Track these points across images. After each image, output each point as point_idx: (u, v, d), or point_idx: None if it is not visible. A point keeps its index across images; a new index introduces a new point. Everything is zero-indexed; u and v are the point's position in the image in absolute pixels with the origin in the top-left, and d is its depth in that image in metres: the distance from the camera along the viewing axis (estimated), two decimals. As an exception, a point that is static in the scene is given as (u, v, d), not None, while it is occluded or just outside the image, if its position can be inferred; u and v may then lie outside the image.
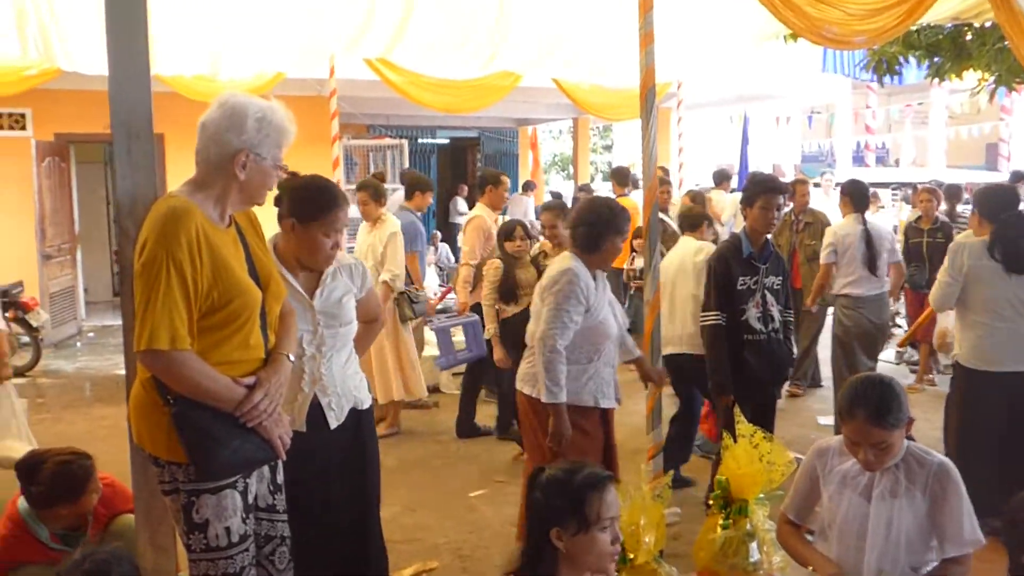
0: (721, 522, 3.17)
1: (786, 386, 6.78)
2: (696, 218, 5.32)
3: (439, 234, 13.76)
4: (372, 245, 5.94)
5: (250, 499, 2.40)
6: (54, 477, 3.10)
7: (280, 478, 2.56)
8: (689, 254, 4.96)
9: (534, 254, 5.54)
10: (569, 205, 6.47)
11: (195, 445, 2.22)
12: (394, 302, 5.88)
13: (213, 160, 2.33)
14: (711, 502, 3.27)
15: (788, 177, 17.19)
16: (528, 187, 14.52)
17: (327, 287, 2.97)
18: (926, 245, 7.32)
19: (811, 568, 2.72)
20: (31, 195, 8.94)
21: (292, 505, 2.64)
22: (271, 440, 2.32)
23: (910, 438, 2.70)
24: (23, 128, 9.91)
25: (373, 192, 6.07)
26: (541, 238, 6.00)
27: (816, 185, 9.90)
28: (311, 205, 2.83)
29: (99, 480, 3.23)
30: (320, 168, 9.10)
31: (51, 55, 7.11)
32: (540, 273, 4.51)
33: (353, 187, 11.53)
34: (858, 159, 19.82)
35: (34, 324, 7.90)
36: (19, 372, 7.83)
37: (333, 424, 2.94)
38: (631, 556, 3.13)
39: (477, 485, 5.10)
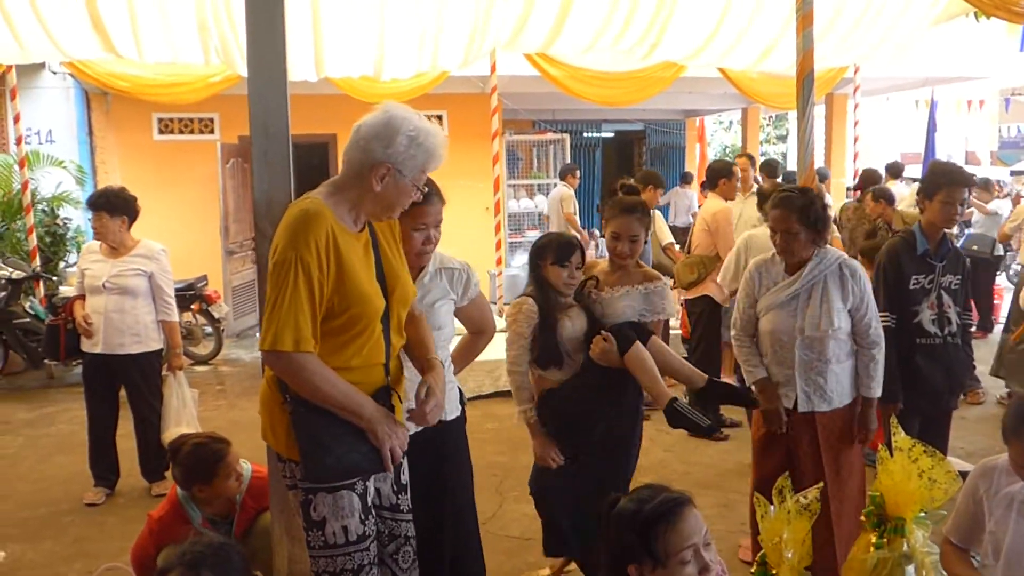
0: (874, 541, 2.92)
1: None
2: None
3: (597, 232, 13.64)
4: None
5: (369, 500, 2.42)
6: (188, 457, 3.29)
7: (405, 478, 2.58)
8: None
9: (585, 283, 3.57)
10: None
11: (304, 447, 2.27)
12: None
13: (355, 165, 2.33)
14: (864, 518, 3.02)
15: (984, 165, 15.94)
16: (687, 179, 14.09)
17: (422, 288, 2.88)
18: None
19: None
20: (216, 195, 9.59)
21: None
22: (381, 450, 2.31)
23: None
24: (211, 132, 10.66)
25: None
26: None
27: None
28: None
29: (236, 467, 3.33)
30: (481, 164, 9.38)
31: (232, 62, 7.57)
32: (593, 319, 3.39)
33: (516, 182, 11.84)
34: (1066, 144, 18.08)
35: (216, 316, 8.47)
36: (202, 360, 8.44)
37: (412, 430, 2.76)
38: (773, 572, 2.95)
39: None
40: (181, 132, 10.71)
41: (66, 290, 7.82)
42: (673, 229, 8.83)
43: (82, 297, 4.88)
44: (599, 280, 3.50)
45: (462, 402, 3.09)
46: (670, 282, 3.31)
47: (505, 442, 5.74)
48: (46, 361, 7.43)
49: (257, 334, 10.03)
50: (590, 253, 11.71)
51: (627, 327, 3.32)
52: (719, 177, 6.44)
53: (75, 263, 6.23)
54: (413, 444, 2.63)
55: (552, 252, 3.32)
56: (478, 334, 3.22)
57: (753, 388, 3.59)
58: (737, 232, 6.26)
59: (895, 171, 9.85)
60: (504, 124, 10.84)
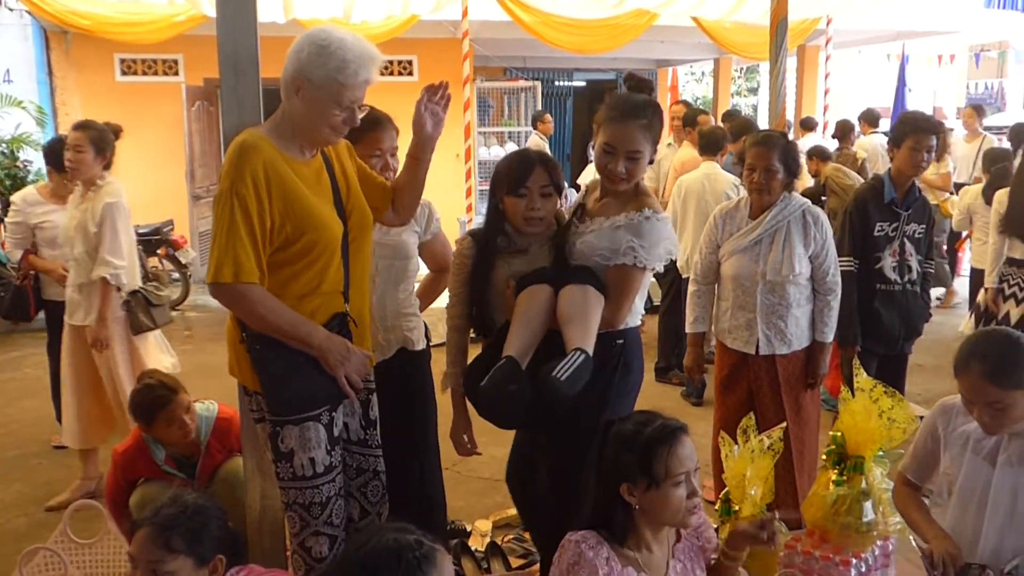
0: (834, 478, 2.99)
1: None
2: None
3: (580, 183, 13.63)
4: (81, 223, 4.15)
5: (337, 432, 2.44)
6: (133, 396, 3.32)
7: (373, 413, 2.61)
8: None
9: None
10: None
11: (263, 382, 2.32)
12: (124, 307, 4.23)
13: (283, 89, 2.33)
14: (825, 456, 3.10)
15: (950, 120, 16.05)
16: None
17: None
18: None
19: (925, 539, 2.55)
20: (182, 138, 9.42)
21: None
22: (336, 378, 2.32)
23: None
24: (176, 74, 10.42)
25: (93, 136, 4.21)
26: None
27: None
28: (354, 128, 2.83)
29: (182, 416, 3.28)
30: (452, 110, 9.26)
31: (196, 1, 7.39)
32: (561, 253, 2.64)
33: (486, 130, 11.74)
34: (1032, 101, 18.27)
35: (183, 261, 8.38)
36: (170, 306, 8.35)
37: (377, 358, 2.88)
38: (736, 508, 3.03)
39: (591, 429, 5.07)
40: (144, 73, 10.46)
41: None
42: (645, 179, 8.85)
43: (32, 251, 4.63)
44: (585, 209, 2.71)
45: (428, 337, 3.14)
46: (666, 215, 2.60)
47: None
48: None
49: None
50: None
51: (566, 271, 2.55)
52: (688, 126, 6.49)
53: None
54: (380, 376, 2.69)
55: (505, 177, 2.61)
56: (441, 271, 3.27)
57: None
58: (661, 182, 6.44)
59: (871, 119, 9.84)
60: (475, 71, 10.72)
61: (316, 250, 2.31)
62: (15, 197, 4.80)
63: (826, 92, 10.48)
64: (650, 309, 6.76)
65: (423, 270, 3.32)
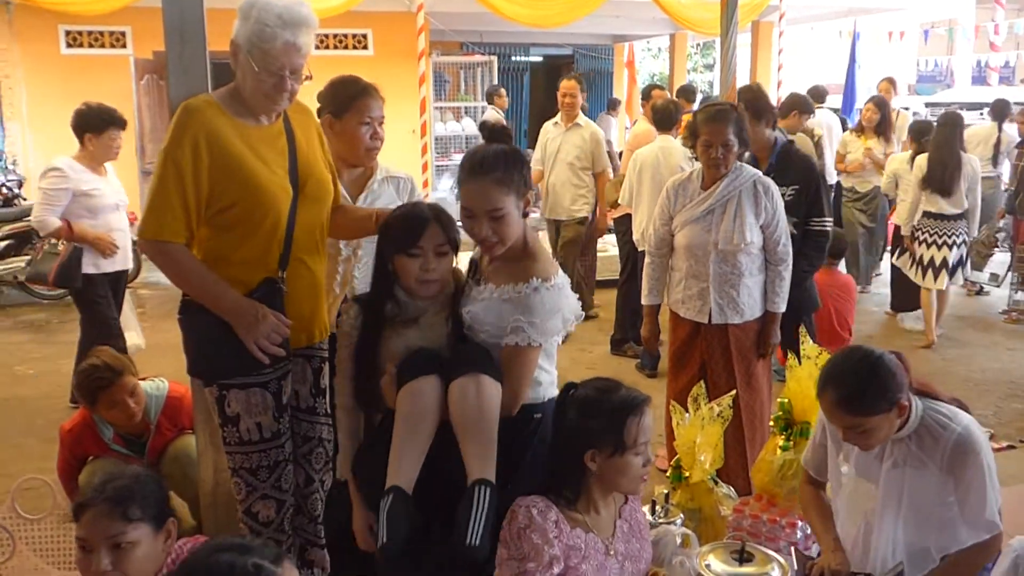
0: (781, 444, 3.08)
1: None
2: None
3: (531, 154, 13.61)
4: None
5: (285, 399, 2.46)
6: (76, 376, 3.28)
7: (324, 382, 2.62)
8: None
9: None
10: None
11: (186, 348, 2.40)
12: None
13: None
14: (772, 423, 3.18)
15: (902, 96, 16.30)
16: (614, 105, 14.07)
17: (372, 193, 2.99)
18: (1020, 170, 6.88)
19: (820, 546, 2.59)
20: (131, 112, 9.20)
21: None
22: (246, 344, 2.31)
23: (963, 407, 2.44)
24: (123, 46, 10.18)
25: None
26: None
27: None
28: (341, 95, 2.86)
29: (125, 399, 3.23)
30: (407, 85, 9.20)
31: (144, -29, 7.21)
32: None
33: (442, 104, 11.66)
34: (979, 79, 18.57)
35: (135, 238, 8.23)
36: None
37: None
38: (686, 474, 3.09)
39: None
40: (91, 46, 10.19)
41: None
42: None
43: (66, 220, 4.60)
44: (479, 269, 2.39)
45: None
46: (561, 280, 2.29)
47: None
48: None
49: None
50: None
51: (456, 356, 2.23)
52: (643, 100, 6.55)
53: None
54: None
55: (396, 235, 2.29)
56: None
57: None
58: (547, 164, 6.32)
59: (818, 95, 9.90)
60: (431, 45, 10.63)
61: (257, 215, 2.31)
62: (60, 163, 4.65)
63: (779, 68, 10.57)
64: (608, 282, 6.84)
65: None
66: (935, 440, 2.34)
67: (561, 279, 2.27)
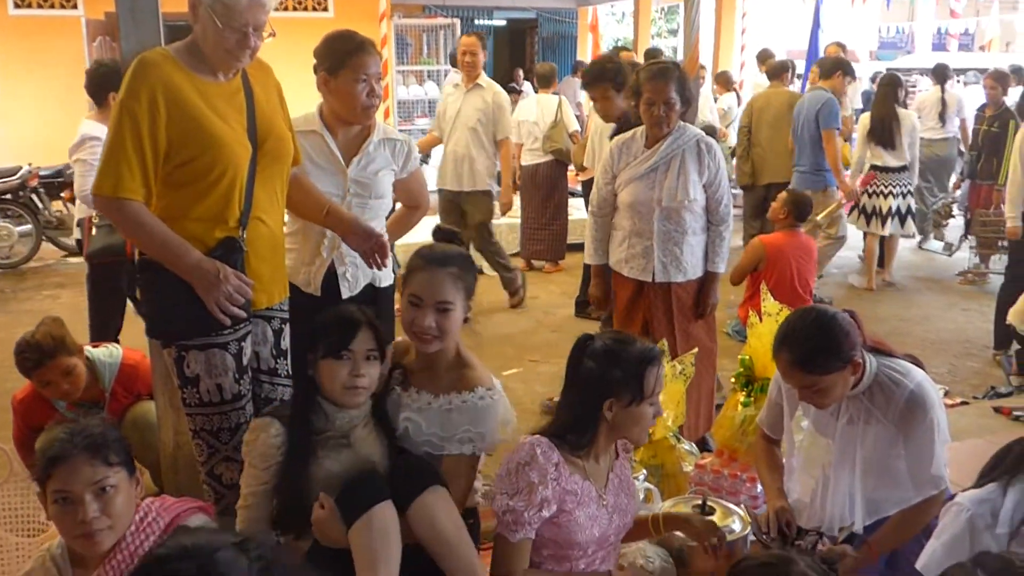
0: (743, 400, 3.12)
1: None
2: None
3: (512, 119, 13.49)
4: None
5: (245, 360, 2.43)
6: (16, 347, 3.16)
7: (285, 343, 2.59)
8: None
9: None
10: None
11: (142, 307, 2.36)
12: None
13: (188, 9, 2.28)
14: (733, 380, 3.21)
15: (863, 63, 16.40)
16: (579, 68, 13.99)
17: (367, 156, 2.91)
18: (982, 134, 6.99)
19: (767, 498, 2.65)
20: (82, 76, 8.98)
21: (294, 369, 2.66)
22: (206, 303, 2.27)
23: (917, 363, 2.49)
24: (74, 7, 9.90)
25: None
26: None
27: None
28: (337, 52, 2.79)
29: (58, 378, 3.14)
30: (368, 48, 9.06)
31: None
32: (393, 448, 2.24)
33: (405, 68, 11.51)
34: (939, 45, 18.74)
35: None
36: (75, 251, 8.05)
37: (345, 294, 2.90)
38: (649, 432, 3.12)
39: (511, 364, 5.13)
40: (40, 7, 9.89)
41: None
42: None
43: None
44: (406, 373, 2.32)
45: (395, 271, 3.13)
46: (500, 386, 2.29)
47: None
48: None
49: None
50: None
51: (404, 475, 2.09)
52: None
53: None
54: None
55: (326, 337, 2.17)
56: (414, 208, 3.25)
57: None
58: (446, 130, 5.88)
59: (764, 59, 9.89)
60: (392, 8, 10.47)
61: (215, 172, 2.26)
62: (94, 130, 4.24)
63: (743, 32, 10.57)
64: (577, 245, 6.84)
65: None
66: (888, 397, 2.38)
67: (500, 388, 2.28)
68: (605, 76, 4.37)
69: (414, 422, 2.20)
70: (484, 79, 5.81)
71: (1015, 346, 4.93)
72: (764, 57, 9.61)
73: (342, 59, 2.76)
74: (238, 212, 2.34)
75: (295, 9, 10.61)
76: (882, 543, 2.39)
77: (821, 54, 12.72)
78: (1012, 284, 5.19)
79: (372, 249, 2.64)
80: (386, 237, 3.07)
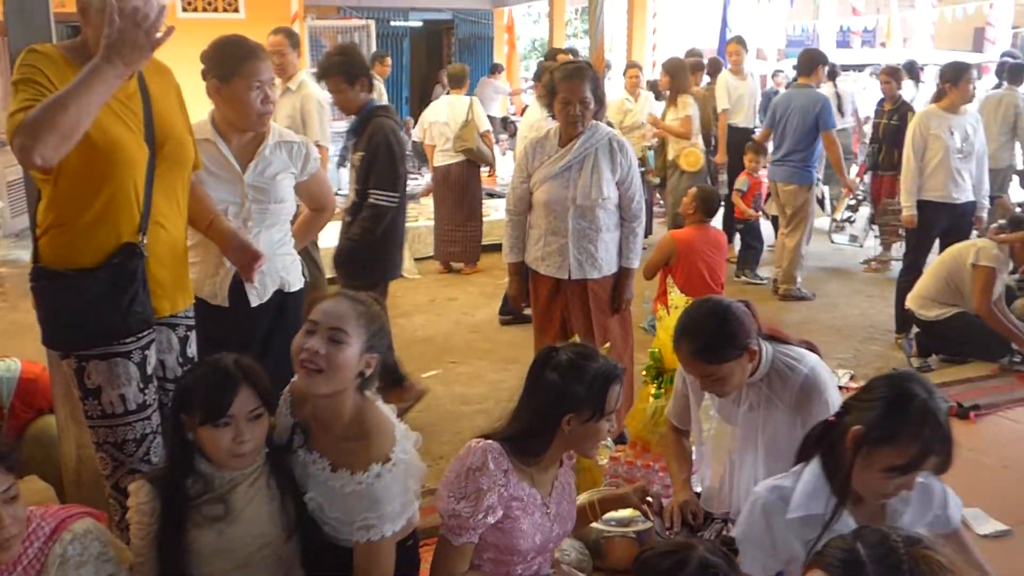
0: (653, 392, 3.18)
1: None
2: None
3: (412, 121, 13.47)
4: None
5: (150, 369, 2.38)
6: None
7: (191, 351, 2.55)
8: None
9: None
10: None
11: (39, 316, 2.30)
12: None
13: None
14: (644, 372, 3.28)
15: (771, 60, 16.85)
16: (496, 69, 14.06)
17: (263, 160, 2.86)
18: (882, 127, 7.28)
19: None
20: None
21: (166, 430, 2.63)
22: (132, 54, 1.97)
23: (812, 349, 2.58)
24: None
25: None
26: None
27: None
28: (227, 59, 2.73)
29: None
30: (281, 50, 8.91)
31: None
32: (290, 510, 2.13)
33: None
34: (843, 43, 19.38)
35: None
36: None
37: (254, 302, 2.87)
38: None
39: (431, 366, 5.13)
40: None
41: None
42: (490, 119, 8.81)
43: None
44: (306, 431, 2.18)
45: (304, 275, 3.10)
46: (400, 450, 2.11)
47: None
48: None
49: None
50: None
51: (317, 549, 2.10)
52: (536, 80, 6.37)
53: None
54: (255, 319, 2.79)
55: (199, 404, 1.99)
56: (319, 210, 3.22)
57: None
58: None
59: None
60: (305, 9, 10.33)
61: (112, 175, 2.20)
62: None
63: (654, 31, 10.76)
64: (495, 246, 6.85)
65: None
66: (784, 382, 2.46)
67: (400, 449, 2.10)
68: (332, 69, 4.01)
69: (318, 503, 2.10)
70: (298, 80, 5.13)
71: (915, 329, 5.15)
72: (693, 56, 9.83)
73: (233, 66, 2.70)
74: (137, 217, 2.28)
75: (205, 11, 10.38)
76: None
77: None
78: (909, 271, 5.45)
79: (248, 263, 2.56)
80: (293, 246, 3.05)
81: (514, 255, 3.81)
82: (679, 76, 7.13)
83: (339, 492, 2.06)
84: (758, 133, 7.22)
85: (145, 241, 2.30)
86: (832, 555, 1.32)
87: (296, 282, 3.01)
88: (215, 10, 10.44)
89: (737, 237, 7.41)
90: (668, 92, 7.28)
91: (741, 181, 7.07)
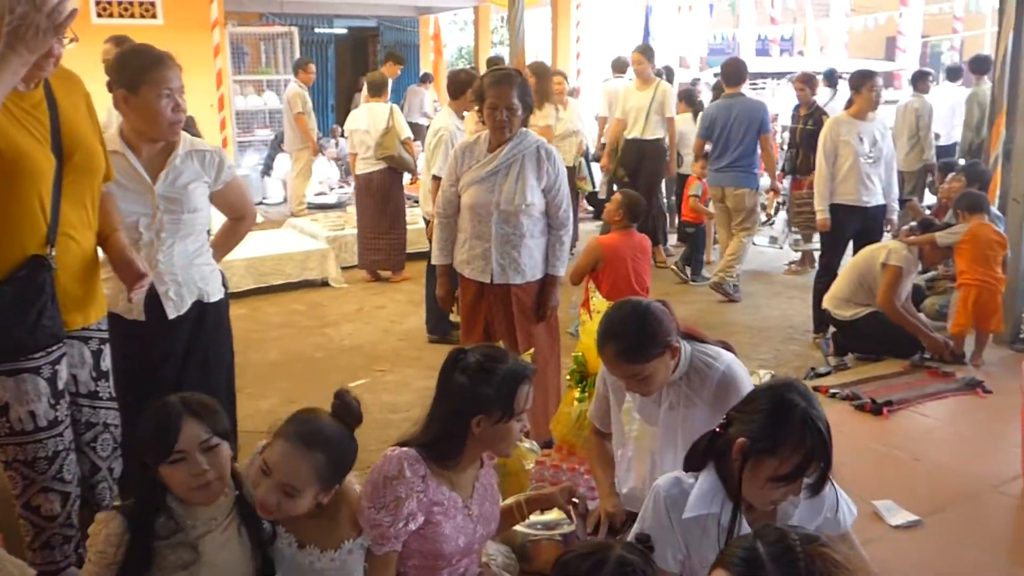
0: (577, 396, 3.22)
1: None
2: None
3: (339, 129, 13.36)
4: None
5: (61, 384, 2.31)
6: None
7: (105, 364, 2.48)
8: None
9: None
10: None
11: None
12: None
13: None
14: (568, 377, 3.32)
15: (693, 69, 17.21)
16: (426, 79, 14.09)
17: (174, 169, 2.80)
18: (799, 132, 7.52)
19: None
20: None
21: (131, 393, 2.56)
22: (38, 42, 1.95)
23: (728, 348, 2.64)
24: None
25: None
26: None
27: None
28: (134, 68, 2.67)
29: None
30: (201, 57, 8.77)
31: None
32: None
33: (243, 78, 11.21)
34: (763, 51, 19.90)
35: None
36: None
37: (171, 314, 2.81)
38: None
39: (358, 375, 5.10)
40: None
41: None
42: (412, 126, 8.80)
43: None
44: (268, 463, 2.07)
45: (225, 285, 3.05)
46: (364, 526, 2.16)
47: (237, 342, 5.61)
48: None
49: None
50: (330, 152, 11.40)
51: None
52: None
53: None
54: (175, 330, 2.75)
55: (149, 446, 1.99)
56: (238, 220, 3.17)
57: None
58: None
59: (619, 66, 10.24)
60: (226, 15, 10.16)
61: (17, 185, 2.14)
62: None
63: (577, 40, 10.88)
64: (419, 254, 6.83)
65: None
66: (702, 379, 2.52)
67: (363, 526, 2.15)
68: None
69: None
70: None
71: (831, 329, 5.32)
72: (619, 65, 9.99)
73: (141, 75, 2.64)
74: (44, 229, 2.22)
75: (121, 16, 10.10)
76: None
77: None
78: (824, 272, 5.63)
79: (130, 282, 2.44)
80: (212, 256, 3.00)
81: (442, 258, 3.84)
82: (544, 80, 6.69)
83: (308, 568, 2.09)
84: (694, 144, 7.42)
85: (54, 253, 2.24)
86: (734, 554, 1.38)
87: (216, 292, 2.96)
88: (131, 16, 10.14)
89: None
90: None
91: (695, 186, 7.37)
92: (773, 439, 1.89)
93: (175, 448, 1.95)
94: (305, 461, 2.01)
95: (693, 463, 2.10)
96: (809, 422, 1.89)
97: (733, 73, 6.86)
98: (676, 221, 8.28)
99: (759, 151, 6.77)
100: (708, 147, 7.03)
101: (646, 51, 7.64)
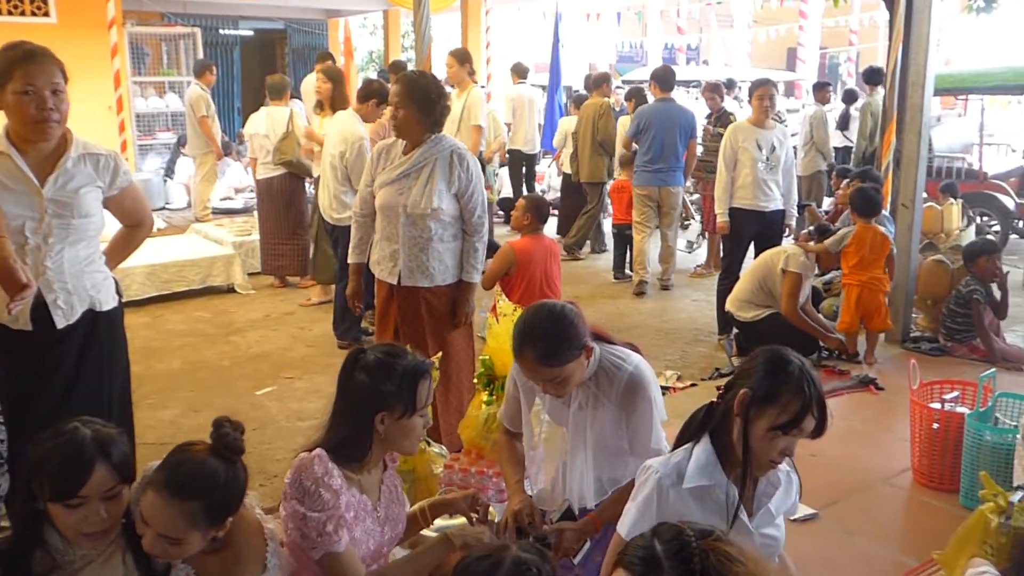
0: (485, 399, 3.23)
1: None
2: None
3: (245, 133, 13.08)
4: None
5: None
6: None
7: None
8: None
9: None
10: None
11: None
12: None
13: None
14: (476, 380, 3.32)
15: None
16: (338, 82, 13.88)
17: (65, 173, 2.67)
18: (710, 137, 7.75)
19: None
20: None
21: (18, 406, 2.45)
22: None
23: (635, 349, 2.68)
24: None
25: None
26: None
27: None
28: (2, 63, 2.55)
29: None
30: (98, 57, 8.47)
31: None
32: None
33: (143, 79, 10.88)
34: (670, 59, 20.37)
35: None
36: None
37: (60, 323, 2.70)
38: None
39: (265, 383, 5.00)
40: None
41: None
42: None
43: None
44: (143, 515, 1.95)
45: (119, 293, 2.94)
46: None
47: (137, 351, 5.44)
48: None
49: None
50: (246, 158, 11.14)
51: None
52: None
53: None
54: (65, 340, 2.64)
55: (50, 481, 1.87)
56: (134, 227, 3.05)
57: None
58: None
59: (520, 71, 10.32)
60: (124, 14, 9.84)
61: None
62: None
63: (487, 45, 10.93)
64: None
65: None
66: (611, 380, 2.56)
67: (272, 549, 2.10)
68: None
69: None
70: None
71: (735, 330, 5.47)
72: (519, 70, 10.05)
73: (7, 71, 2.53)
74: None
75: (11, 14, 9.68)
76: (603, 513, 2.56)
77: (563, 67, 13.51)
78: (726, 275, 5.79)
79: (13, 292, 2.36)
80: (105, 263, 2.90)
81: (355, 256, 3.86)
82: (338, 86, 6.15)
83: None
84: (622, 141, 7.72)
85: None
86: (632, 554, 1.40)
87: (109, 301, 2.86)
88: (22, 13, 9.74)
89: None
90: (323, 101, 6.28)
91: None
92: (773, 387, 1.98)
93: (78, 494, 1.84)
94: (180, 512, 1.85)
95: (687, 436, 2.15)
96: (806, 373, 1.99)
97: (664, 79, 7.27)
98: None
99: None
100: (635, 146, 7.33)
101: (459, 56, 6.80)
